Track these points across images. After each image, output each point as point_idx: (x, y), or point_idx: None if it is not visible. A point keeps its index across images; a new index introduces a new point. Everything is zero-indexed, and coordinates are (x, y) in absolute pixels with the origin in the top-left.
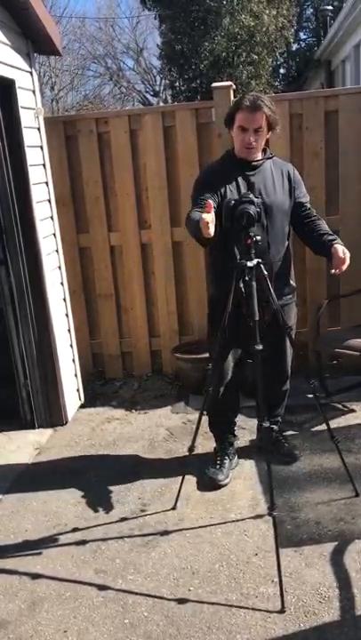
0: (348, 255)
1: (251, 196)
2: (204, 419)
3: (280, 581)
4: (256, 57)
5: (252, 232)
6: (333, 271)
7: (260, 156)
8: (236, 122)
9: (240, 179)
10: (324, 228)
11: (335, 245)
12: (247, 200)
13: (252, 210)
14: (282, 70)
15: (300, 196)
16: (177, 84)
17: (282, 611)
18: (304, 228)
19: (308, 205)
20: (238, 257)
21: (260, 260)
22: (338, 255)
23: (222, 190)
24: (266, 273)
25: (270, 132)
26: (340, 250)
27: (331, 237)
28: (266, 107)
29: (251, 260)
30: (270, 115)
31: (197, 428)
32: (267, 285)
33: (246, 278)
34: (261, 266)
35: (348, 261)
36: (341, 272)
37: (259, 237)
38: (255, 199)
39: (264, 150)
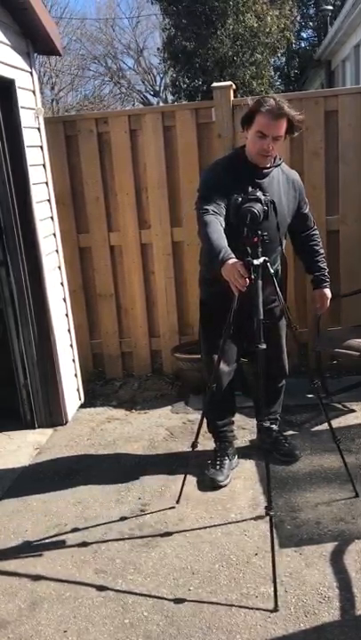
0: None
1: (258, 193)
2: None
3: (274, 581)
4: (259, 56)
5: (260, 230)
6: (318, 312)
7: (271, 162)
8: (255, 125)
9: (250, 187)
10: (320, 253)
11: (324, 291)
12: (253, 198)
13: (258, 208)
14: (283, 70)
15: (303, 206)
16: (177, 82)
17: (275, 610)
18: (300, 242)
19: (310, 215)
20: (244, 255)
21: (266, 259)
22: (324, 301)
23: (233, 195)
24: (272, 271)
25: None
26: (328, 297)
27: (322, 274)
28: (289, 115)
29: (258, 257)
30: (293, 117)
31: (200, 425)
32: (273, 284)
33: (252, 276)
34: (268, 264)
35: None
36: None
37: (266, 234)
38: (263, 197)
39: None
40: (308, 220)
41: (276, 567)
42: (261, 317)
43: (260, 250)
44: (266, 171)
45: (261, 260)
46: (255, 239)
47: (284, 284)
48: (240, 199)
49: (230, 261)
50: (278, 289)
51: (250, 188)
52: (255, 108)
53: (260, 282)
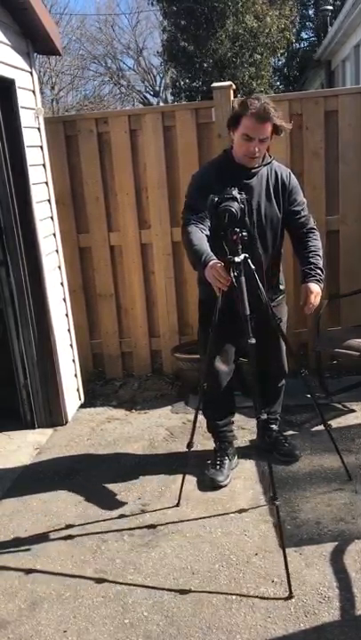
0: (318, 297)
1: (234, 192)
2: (202, 417)
3: (287, 570)
4: (259, 56)
5: (239, 228)
6: (306, 312)
7: (259, 162)
8: (240, 128)
9: (237, 187)
10: (311, 249)
11: (308, 285)
12: (230, 197)
13: (235, 207)
14: (283, 70)
15: (293, 203)
16: (177, 83)
17: (290, 597)
18: (296, 240)
19: (304, 213)
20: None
21: (247, 256)
22: (308, 296)
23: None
24: (253, 267)
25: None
26: (312, 292)
27: (309, 268)
28: (274, 117)
29: (238, 255)
30: (277, 123)
31: (194, 425)
32: (255, 280)
33: (235, 274)
34: (249, 261)
35: (316, 302)
36: (311, 312)
37: (245, 233)
38: (238, 195)
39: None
40: (302, 218)
41: (278, 566)
42: (248, 313)
43: (240, 247)
44: (254, 170)
45: (242, 257)
46: (235, 237)
47: (273, 281)
48: (216, 199)
49: (210, 263)
50: (261, 285)
51: (236, 189)
52: (240, 111)
53: (242, 278)
